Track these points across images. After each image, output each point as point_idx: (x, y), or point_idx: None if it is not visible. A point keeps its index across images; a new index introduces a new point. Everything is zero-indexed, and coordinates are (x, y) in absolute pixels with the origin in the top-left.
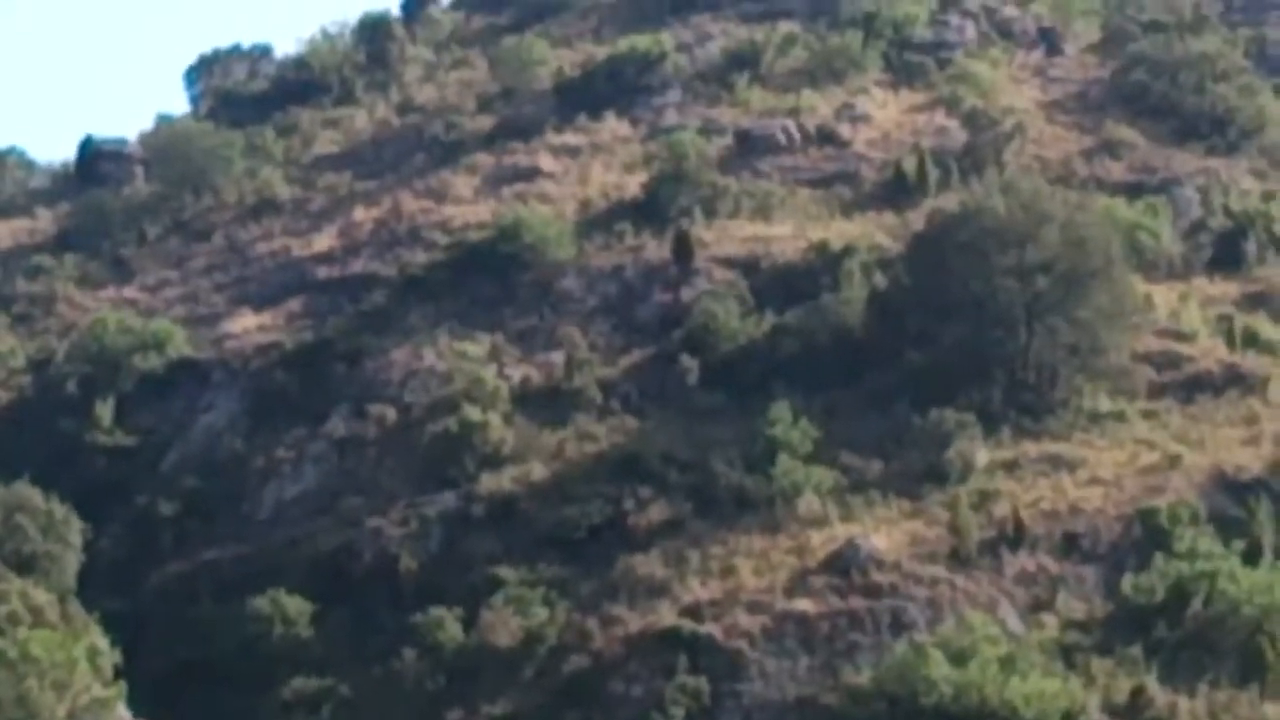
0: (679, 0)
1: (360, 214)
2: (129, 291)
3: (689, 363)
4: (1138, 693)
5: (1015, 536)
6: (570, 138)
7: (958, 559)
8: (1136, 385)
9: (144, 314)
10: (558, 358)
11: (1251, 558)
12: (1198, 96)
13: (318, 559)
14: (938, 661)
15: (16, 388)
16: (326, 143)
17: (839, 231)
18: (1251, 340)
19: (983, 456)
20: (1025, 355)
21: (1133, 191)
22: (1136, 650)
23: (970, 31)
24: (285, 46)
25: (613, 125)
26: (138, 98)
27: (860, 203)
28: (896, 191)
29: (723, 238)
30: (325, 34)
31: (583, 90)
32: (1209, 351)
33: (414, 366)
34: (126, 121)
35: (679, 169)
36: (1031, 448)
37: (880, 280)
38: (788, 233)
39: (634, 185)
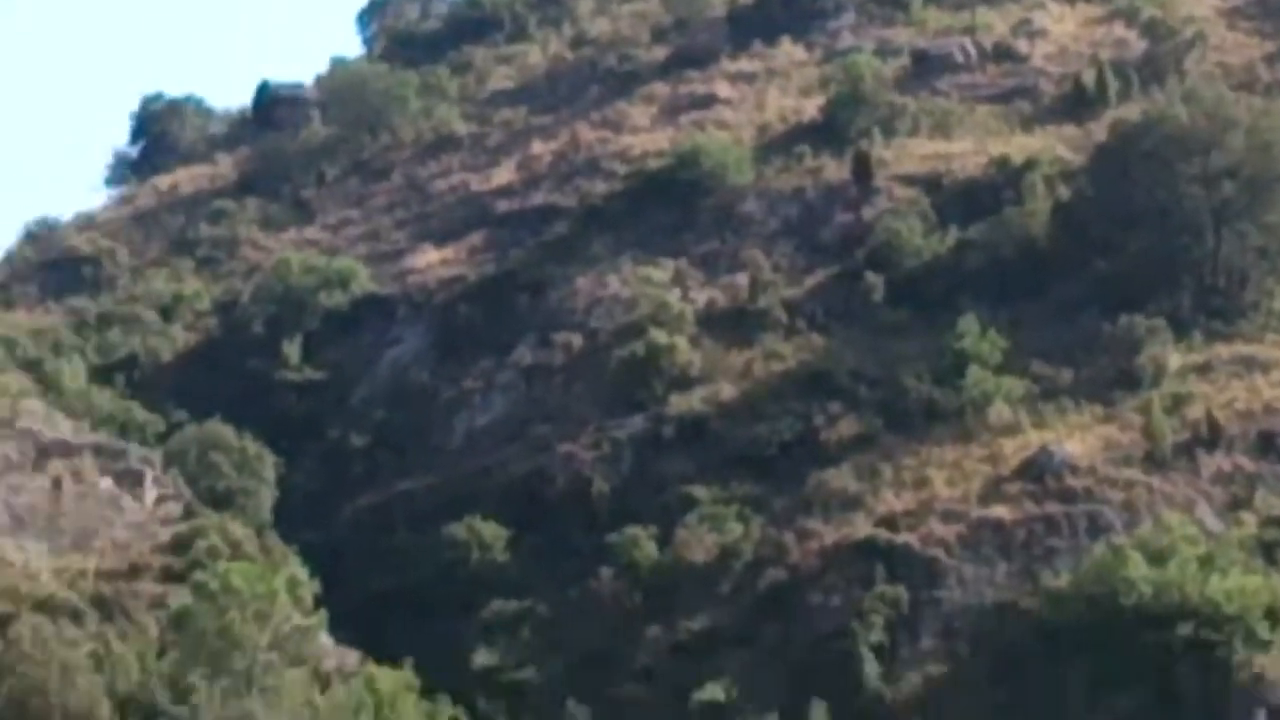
0: None
1: (538, 147)
2: (310, 232)
3: (873, 280)
4: None
5: (1210, 437)
6: (745, 64)
7: (1153, 461)
8: None
9: (326, 253)
10: (741, 280)
11: None
12: None
13: (510, 485)
14: (1136, 562)
15: (204, 330)
16: (501, 79)
17: (1020, 146)
18: None
19: (1174, 360)
20: (1214, 260)
21: None
22: None
23: None
24: None
25: (788, 50)
26: (311, 42)
27: (1040, 117)
28: (1076, 104)
29: (902, 156)
30: None
31: (756, 17)
32: None
33: (598, 294)
34: (301, 66)
35: (856, 90)
36: (1223, 350)
37: (1064, 192)
38: (968, 149)
39: (811, 108)
